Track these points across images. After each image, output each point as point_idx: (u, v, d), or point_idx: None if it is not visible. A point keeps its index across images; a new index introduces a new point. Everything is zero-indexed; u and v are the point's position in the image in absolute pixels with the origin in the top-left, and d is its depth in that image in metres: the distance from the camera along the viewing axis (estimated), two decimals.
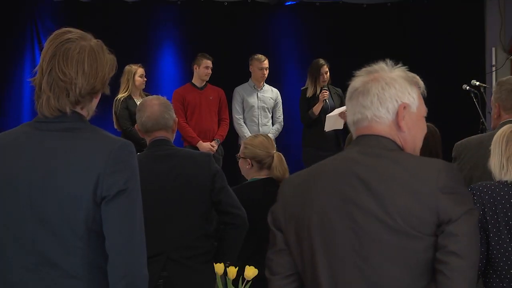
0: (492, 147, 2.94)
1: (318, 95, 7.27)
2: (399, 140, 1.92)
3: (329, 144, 6.97)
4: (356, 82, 1.96)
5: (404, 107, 1.91)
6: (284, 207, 1.95)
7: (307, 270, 1.90)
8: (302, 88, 7.44)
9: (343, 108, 7.03)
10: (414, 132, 1.94)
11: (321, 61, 7.29)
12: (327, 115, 7.07)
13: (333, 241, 1.85)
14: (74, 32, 2.08)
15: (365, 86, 1.93)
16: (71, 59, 2.03)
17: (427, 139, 3.88)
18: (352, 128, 1.97)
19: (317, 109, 7.22)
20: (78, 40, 2.06)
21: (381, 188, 1.82)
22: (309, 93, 7.31)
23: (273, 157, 3.91)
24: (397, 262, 1.80)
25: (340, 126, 7.02)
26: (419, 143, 1.98)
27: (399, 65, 1.98)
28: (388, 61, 1.97)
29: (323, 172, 1.92)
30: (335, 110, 7.08)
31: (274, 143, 4.03)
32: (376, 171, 1.84)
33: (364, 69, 1.99)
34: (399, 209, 1.79)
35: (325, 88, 7.21)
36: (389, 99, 1.91)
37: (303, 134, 7.46)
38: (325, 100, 7.20)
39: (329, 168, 1.92)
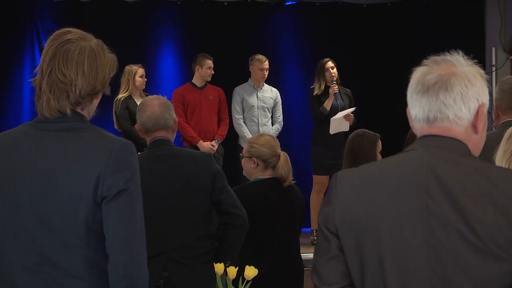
0: (500, 149, 2.93)
1: (326, 92, 7.21)
2: (470, 144, 1.74)
3: (338, 144, 6.89)
4: (430, 73, 1.73)
5: (483, 107, 1.74)
6: (344, 210, 1.72)
7: (368, 283, 1.69)
8: (311, 87, 7.41)
9: (348, 111, 7.01)
10: (484, 135, 1.78)
11: (326, 59, 7.27)
12: (332, 118, 7.01)
13: (406, 255, 1.64)
14: (74, 33, 2.07)
15: (447, 81, 1.71)
16: (71, 60, 2.02)
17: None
18: (419, 125, 1.75)
19: (328, 104, 7.15)
20: (78, 40, 2.05)
21: (465, 200, 1.62)
22: (317, 91, 7.27)
23: (279, 156, 3.91)
24: (479, 284, 1.61)
25: (346, 128, 6.94)
26: (482, 147, 1.81)
27: (469, 58, 1.81)
28: (460, 52, 1.78)
29: (390, 176, 1.71)
30: (340, 113, 7.02)
31: (279, 142, 4.03)
32: (458, 181, 1.65)
33: (434, 58, 1.77)
34: (485, 226, 1.60)
35: (334, 82, 7.17)
36: (472, 98, 1.71)
37: (313, 133, 7.42)
38: (335, 94, 7.13)
39: (398, 171, 1.71)
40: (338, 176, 1.77)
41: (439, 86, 1.71)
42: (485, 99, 1.74)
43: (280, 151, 3.94)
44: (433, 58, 1.77)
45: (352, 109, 7.04)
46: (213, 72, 7.39)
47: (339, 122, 6.96)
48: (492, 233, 1.60)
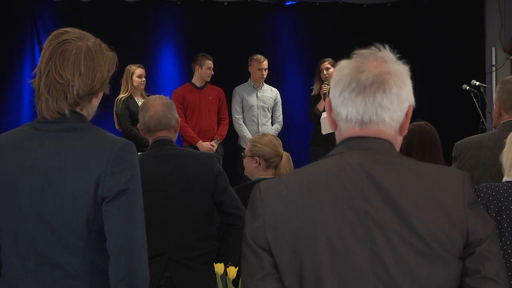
0: (508, 141, 2.93)
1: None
2: (396, 145, 1.66)
3: (333, 145, 6.94)
4: (364, 71, 1.61)
5: (411, 108, 1.65)
6: (274, 224, 1.57)
7: None
8: (311, 88, 7.46)
9: None
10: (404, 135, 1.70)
11: (324, 59, 7.30)
12: (321, 118, 7.05)
13: (349, 266, 1.53)
14: (72, 33, 2.07)
15: (384, 81, 1.61)
16: (67, 60, 2.02)
17: (423, 139, 3.87)
18: (348, 125, 1.64)
19: (320, 106, 7.21)
20: (75, 40, 2.04)
21: (404, 202, 1.54)
22: (314, 91, 7.34)
23: (281, 156, 3.92)
24: None
25: None
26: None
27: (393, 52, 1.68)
28: (387, 46, 1.67)
29: (322, 182, 1.58)
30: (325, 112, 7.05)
31: (281, 142, 4.04)
32: (393, 182, 1.56)
33: (361, 52, 1.65)
34: (428, 227, 1.52)
35: (325, 83, 7.21)
36: (405, 99, 1.62)
37: (313, 132, 7.45)
38: (325, 94, 7.17)
39: (330, 177, 1.59)
40: (262, 187, 1.63)
41: (376, 87, 1.60)
42: (413, 100, 1.65)
43: (282, 151, 3.95)
44: (360, 52, 1.65)
45: None
46: (212, 73, 7.39)
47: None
48: (435, 234, 1.52)
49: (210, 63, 7.36)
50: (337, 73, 1.65)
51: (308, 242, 1.54)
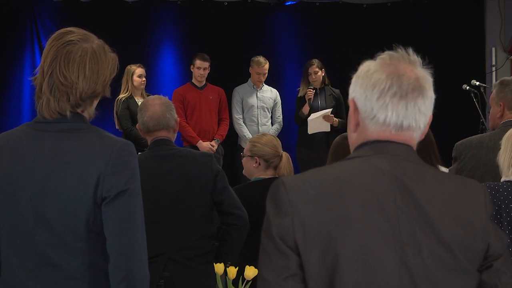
0: (504, 141, 2.93)
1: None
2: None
3: (318, 146, 7.10)
4: (405, 75, 1.59)
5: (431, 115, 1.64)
6: (303, 224, 1.52)
7: None
8: (298, 89, 7.51)
9: (327, 111, 7.08)
10: None
11: (312, 61, 7.36)
12: (308, 118, 7.13)
13: (377, 274, 1.50)
14: (77, 33, 2.06)
15: (422, 87, 1.59)
16: (72, 62, 2.01)
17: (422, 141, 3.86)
18: (382, 128, 1.60)
19: (305, 109, 7.30)
20: (80, 42, 2.04)
21: (434, 212, 1.52)
22: (301, 93, 7.42)
23: (281, 156, 3.91)
24: None
25: (327, 129, 7.14)
26: None
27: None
28: (411, 50, 1.64)
29: (355, 186, 1.54)
30: (318, 113, 7.13)
31: (281, 143, 4.03)
32: (424, 191, 1.53)
33: (392, 54, 1.63)
34: (456, 240, 1.51)
35: (310, 87, 7.25)
36: (432, 104, 1.62)
37: (298, 134, 7.53)
38: (310, 100, 7.21)
39: (362, 180, 1.55)
40: (287, 184, 1.56)
41: (417, 92, 1.58)
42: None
43: (282, 151, 3.95)
44: (390, 54, 1.63)
45: (327, 111, 7.14)
46: (203, 73, 7.32)
47: (319, 122, 7.08)
48: (462, 246, 1.52)
49: (199, 62, 7.30)
50: (370, 75, 1.61)
51: (338, 247, 1.50)
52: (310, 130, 7.13)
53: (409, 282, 1.50)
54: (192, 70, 7.41)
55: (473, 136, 3.94)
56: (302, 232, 1.52)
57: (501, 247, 1.56)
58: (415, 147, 1.63)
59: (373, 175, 1.55)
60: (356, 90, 1.64)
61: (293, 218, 1.53)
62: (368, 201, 1.52)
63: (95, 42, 2.08)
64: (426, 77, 1.61)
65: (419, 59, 1.63)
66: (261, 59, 7.49)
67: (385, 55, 1.63)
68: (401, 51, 1.63)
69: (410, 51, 1.63)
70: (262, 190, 3.85)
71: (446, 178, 1.60)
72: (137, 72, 7.13)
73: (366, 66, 1.64)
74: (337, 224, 1.51)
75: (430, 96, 1.60)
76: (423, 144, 3.86)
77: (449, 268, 1.51)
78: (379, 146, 1.59)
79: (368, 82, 1.61)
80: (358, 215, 1.51)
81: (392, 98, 1.58)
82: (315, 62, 7.31)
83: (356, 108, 1.63)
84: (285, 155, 3.93)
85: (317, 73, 7.25)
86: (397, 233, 1.50)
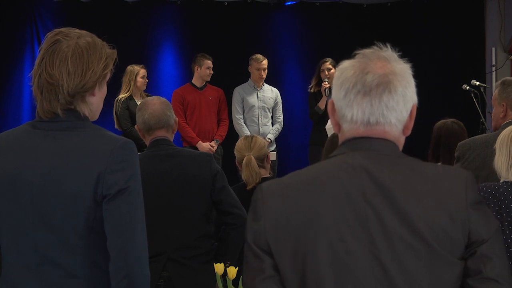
0: (498, 146, 2.93)
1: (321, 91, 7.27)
2: (399, 145, 1.64)
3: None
4: (369, 72, 1.59)
5: (415, 107, 1.63)
6: (275, 226, 1.55)
7: None
8: (309, 86, 7.45)
9: None
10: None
11: (326, 58, 7.30)
12: (326, 127, 7.05)
13: (349, 269, 1.51)
14: (64, 32, 2.05)
15: (389, 82, 1.58)
16: (56, 60, 2.01)
17: (449, 141, 3.81)
18: (353, 126, 1.61)
19: (322, 103, 7.20)
20: (65, 40, 2.03)
21: (407, 202, 1.52)
22: (313, 89, 7.33)
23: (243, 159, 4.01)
24: None
25: None
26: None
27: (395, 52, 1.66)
28: (389, 45, 1.65)
29: (323, 183, 1.56)
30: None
31: (255, 144, 4.07)
32: (396, 182, 1.53)
33: (364, 53, 1.63)
34: (431, 229, 1.50)
35: (325, 80, 7.20)
36: (409, 99, 1.60)
37: (311, 132, 7.45)
38: (326, 90, 7.15)
39: (332, 178, 1.56)
40: (263, 188, 1.60)
41: (382, 88, 1.57)
42: (416, 99, 1.63)
43: (247, 153, 3.99)
44: (363, 52, 1.63)
45: None
46: (212, 72, 7.39)
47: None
48: (437, 235, 1.50)
49: (209, 62, 7.36)
50: (341, 74, 1.63)
51: (308, 245, 1.52)
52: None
53: (382, 274, 1.50)
54: (197, 71, 7.39)
55: (476, 136, 3.93)
56: (275, 234, 1.55)
57: (485, 233, 1.53)
58: (399, 141, 1.63)
59: (343, 171, 1.56)
60: (333, 90, 1.66)
61: (266, 221, 1.57)
62: (338, 198, 1.53)
63: (83, 38, 2.05)
64: (397, 72, 1.59)
65: (394, 54, 1.62)
66: (259, 55, 7.48)
67: (359, 53, 1.63)
68: (376, 47, 1.63)
69: (386, 46, 1.63)
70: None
71: (426, 168, 1.58)
72: (141, 73, 7.16)
73: (341, 66, 1.65)
74: (307, 223, 1.53)
75: (400, 91, 1.58)
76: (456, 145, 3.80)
77: (424, 257, 1.50)
78: (355, 143, 1.60)
79: (337, 82, 1.63)
80: (328, 212, 1.53)
81: (356, 95, 1.59)
82: (329, 59, 7.27)
83: (333, 109, 1.65)
84: (246, 159, 3.98)
85: (330, 70, 7.21)
86: (366, 227, 1.51)
